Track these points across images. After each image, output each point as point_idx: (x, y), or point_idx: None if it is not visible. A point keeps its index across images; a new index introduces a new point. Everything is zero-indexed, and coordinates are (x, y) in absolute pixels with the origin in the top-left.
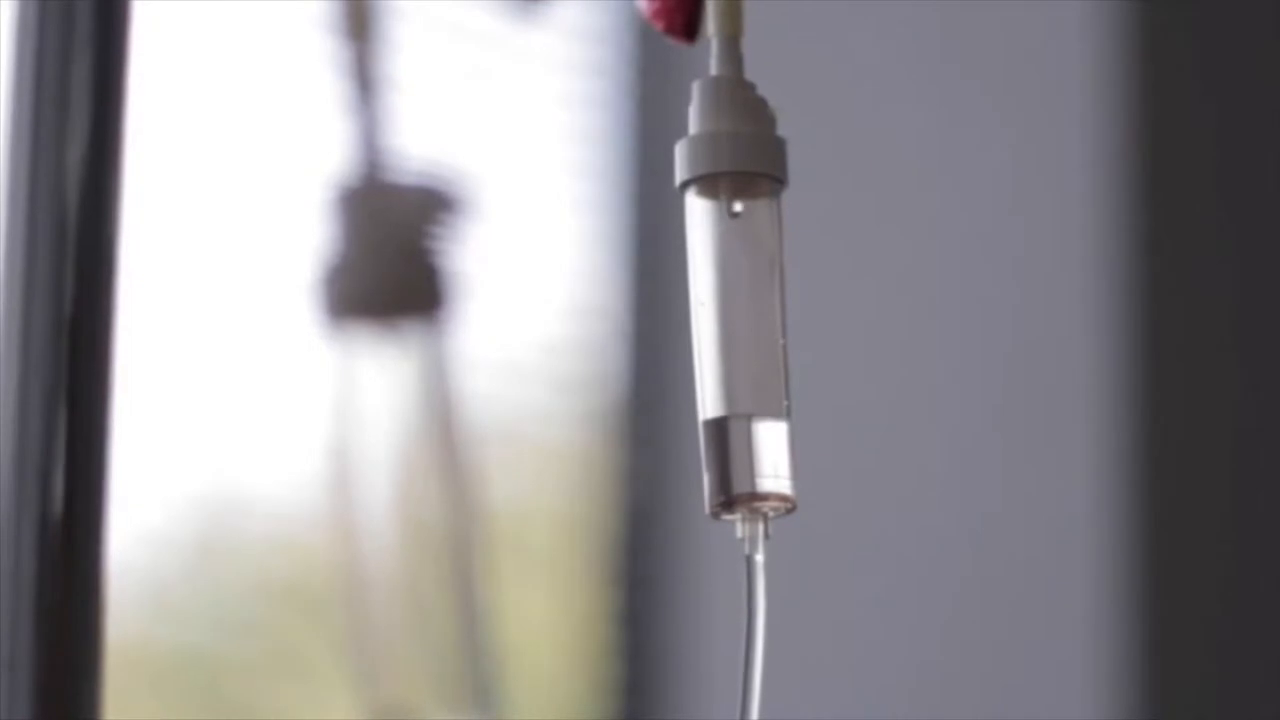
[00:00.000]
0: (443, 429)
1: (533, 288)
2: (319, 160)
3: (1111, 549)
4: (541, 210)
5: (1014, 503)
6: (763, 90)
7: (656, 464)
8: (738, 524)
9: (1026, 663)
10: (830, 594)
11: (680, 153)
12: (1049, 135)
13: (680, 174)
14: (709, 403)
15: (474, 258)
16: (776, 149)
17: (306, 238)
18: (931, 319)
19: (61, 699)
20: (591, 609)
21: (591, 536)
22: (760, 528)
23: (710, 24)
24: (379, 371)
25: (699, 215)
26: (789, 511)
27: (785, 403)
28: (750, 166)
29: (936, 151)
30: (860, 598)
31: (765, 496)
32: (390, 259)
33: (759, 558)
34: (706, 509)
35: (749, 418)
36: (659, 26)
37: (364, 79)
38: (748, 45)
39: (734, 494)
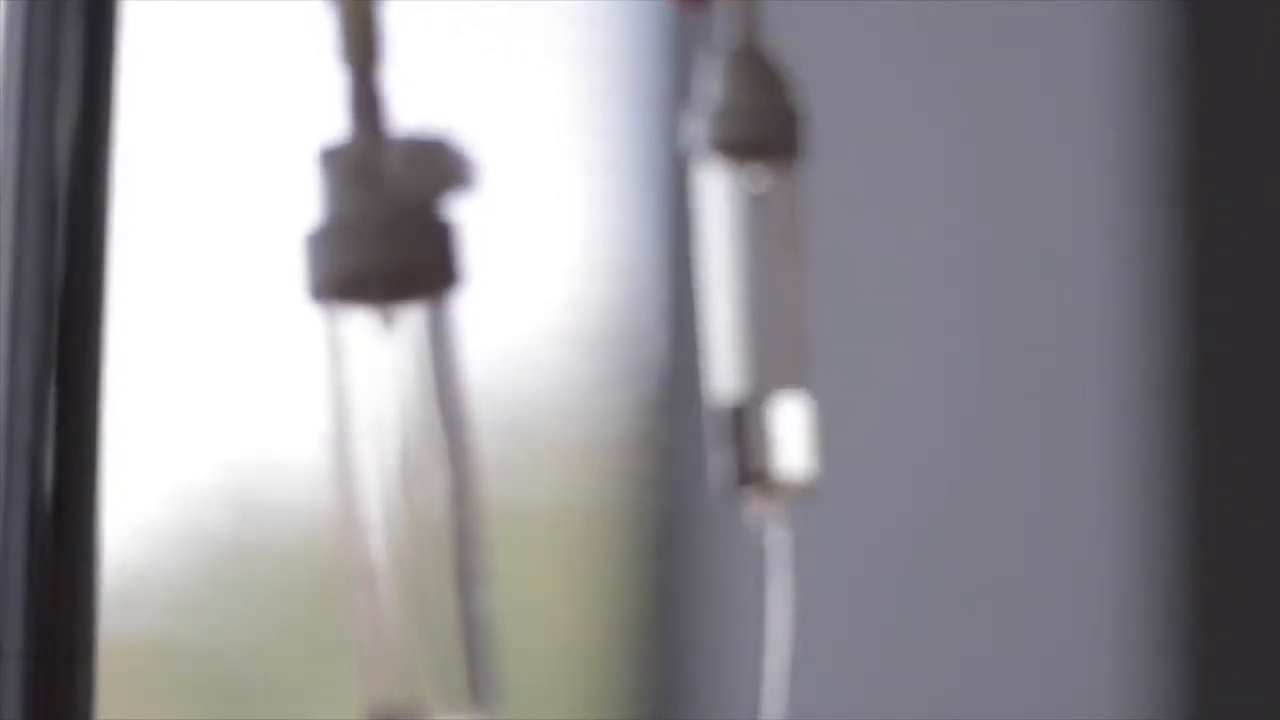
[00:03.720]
0: (445, 416)
1: (555, 282)
2: (316, 132)
3: (1120, 548)
4: (570, 204)
5: (1018, 502)
6: None
7: (682, 462)
8: (753, 506)
9: (1030, 662)
10: (836, 590)
11: (698, 125)
12: (1064, 128)
13: (698, 147)
14: (726, 383)
15: (483, 238)
16: (796, 120)
17: (303, 213)
18: (943, 314)
19: (54, 688)
20: (614, 607)
21: (614, 534)
22: (778, 510)
23: None
24: (378, 355)
25: (717, 189)
26: (807, 493)
27: (805, 383)
28: (768, 138)
29: (950, 142)
30: (869, 594)
31: (782, 478)
32: (391, 237)
33: (777, 539)
34: (723, 491)
35: (767, 398)
36: None
37: (364, 47)
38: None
39: (750, 475)
